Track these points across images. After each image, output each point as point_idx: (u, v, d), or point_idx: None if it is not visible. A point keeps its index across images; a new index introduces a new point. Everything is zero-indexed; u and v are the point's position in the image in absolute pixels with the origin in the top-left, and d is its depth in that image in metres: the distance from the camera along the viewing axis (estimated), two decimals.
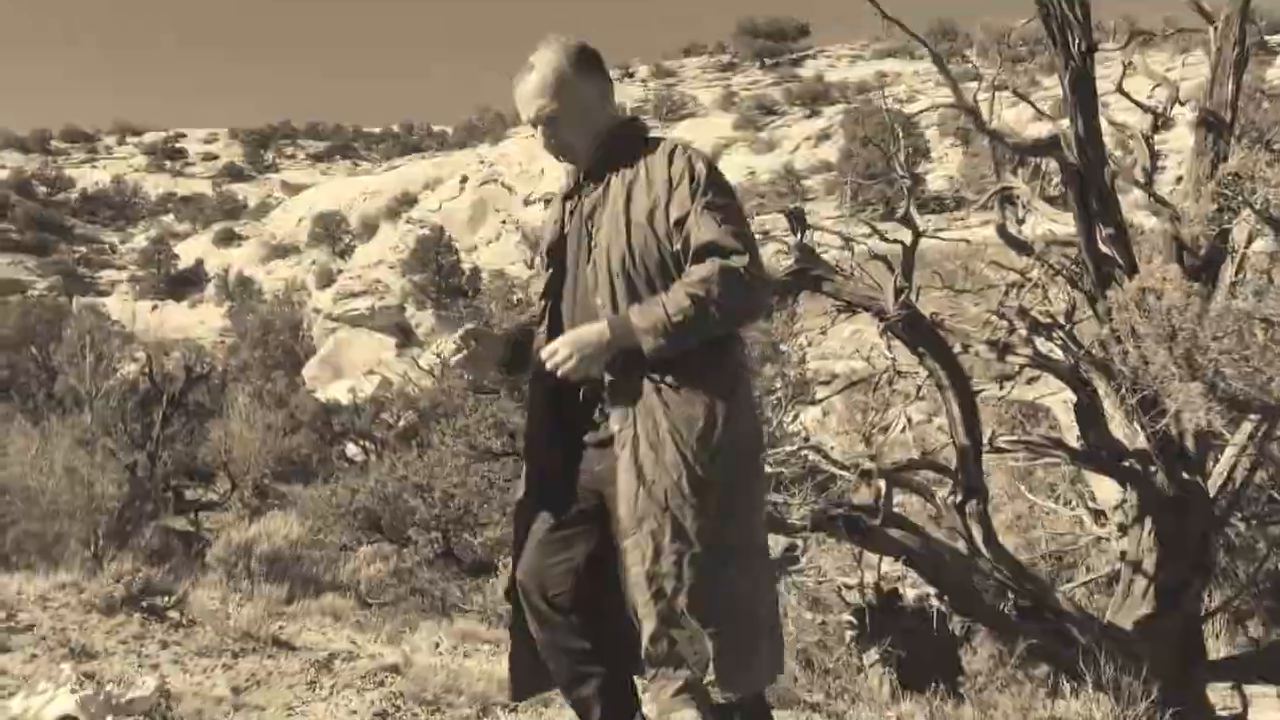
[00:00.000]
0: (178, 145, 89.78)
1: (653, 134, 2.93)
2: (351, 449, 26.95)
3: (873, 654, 5.82)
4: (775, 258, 6.89)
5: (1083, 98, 6.21)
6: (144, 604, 5.46)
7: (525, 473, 2.87)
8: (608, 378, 2.65)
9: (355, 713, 3.65)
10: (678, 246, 2.63)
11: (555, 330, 2.79)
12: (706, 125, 46.98)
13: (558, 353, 2.58)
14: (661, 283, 2.63)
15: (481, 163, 53.93)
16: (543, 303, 2.88)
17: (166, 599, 5.48)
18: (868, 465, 6.05)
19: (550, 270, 2.87)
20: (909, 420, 7.22)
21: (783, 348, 16.58)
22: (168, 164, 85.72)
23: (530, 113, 2.78)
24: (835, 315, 7.34)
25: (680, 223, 2.62)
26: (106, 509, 10.92)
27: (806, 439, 6.16)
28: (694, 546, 2.51)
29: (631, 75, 56.44)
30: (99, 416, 17.02)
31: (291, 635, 5.21)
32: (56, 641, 4.47)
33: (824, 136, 43.57)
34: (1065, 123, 6.23)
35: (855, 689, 4.97)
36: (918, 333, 6.41)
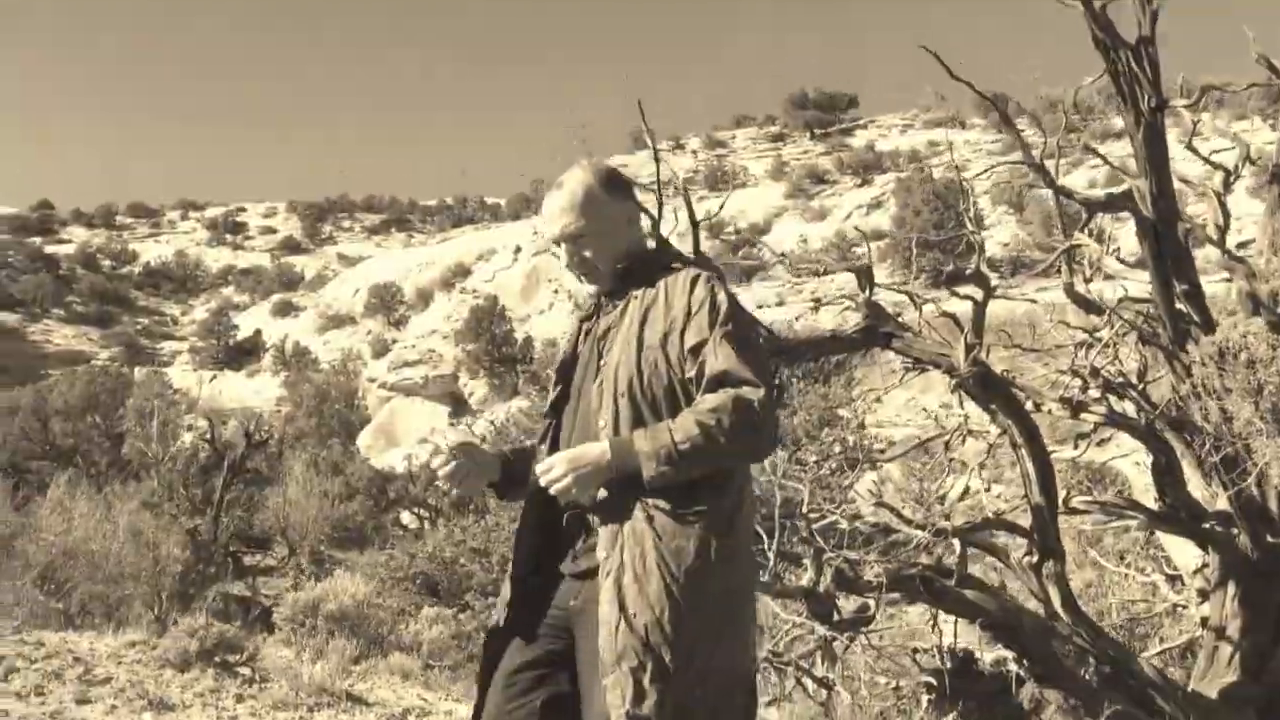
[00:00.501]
0: (238, 219, 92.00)
1: (677, 262, 2.88)
2: (406, 516, 27.03)
3: (952, 718, 5.66)
4: (842, 316, 6.90)
5: (1154, 153, 6.18)
6: (216, 660, 5.47)
7: (506, 599, 2.76)
8: (599, 497, 2.55)
9: None
10: (691, 373, 2.57)
11: (555, 449, 2.72)
12: (758, 195, 47.30)
13: (553, 469, 2.49)
14: (668, 409, 2.57)
15: (535, 233, 54.60)
16: (545, 421, 2.84)
17: (238, 655, 5.49)
18: (942, 524, 5.95)
19: (558, 388, 2.83)
20: (967, 489, 7.11)
21: (841, 412, 16.51)
22: (228, 238, 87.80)
23: (555, 229, 2.77)
24: (902, 374, 7.30)
25: (695, 349, 2.57)
26: (170, 571, 11.00)
27: (879, 498, 6.06)
28: (677, 691, 2.38)
29: (682, 147, 57.11)
30: (162, 482, 17.25)
31: (364, 691, 5.19)
32: (135, 694, 4.48)
33: (876, 204, 43.69)
34: (1139, 180, 6.19)
35: None
36: (990, 389, 6.33)
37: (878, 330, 6.46)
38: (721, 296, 2.63)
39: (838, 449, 12.00)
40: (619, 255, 2.77)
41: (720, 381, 2.51)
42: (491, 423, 32.29)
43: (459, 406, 45.43)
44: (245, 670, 5.51)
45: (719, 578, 2.50)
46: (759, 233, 42.09)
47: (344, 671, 5.60)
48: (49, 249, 75.89)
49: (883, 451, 6.69)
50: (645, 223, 3.04)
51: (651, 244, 2.99)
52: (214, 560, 13.66)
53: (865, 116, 58.62)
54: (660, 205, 6.28)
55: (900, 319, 6.82)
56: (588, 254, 2.76)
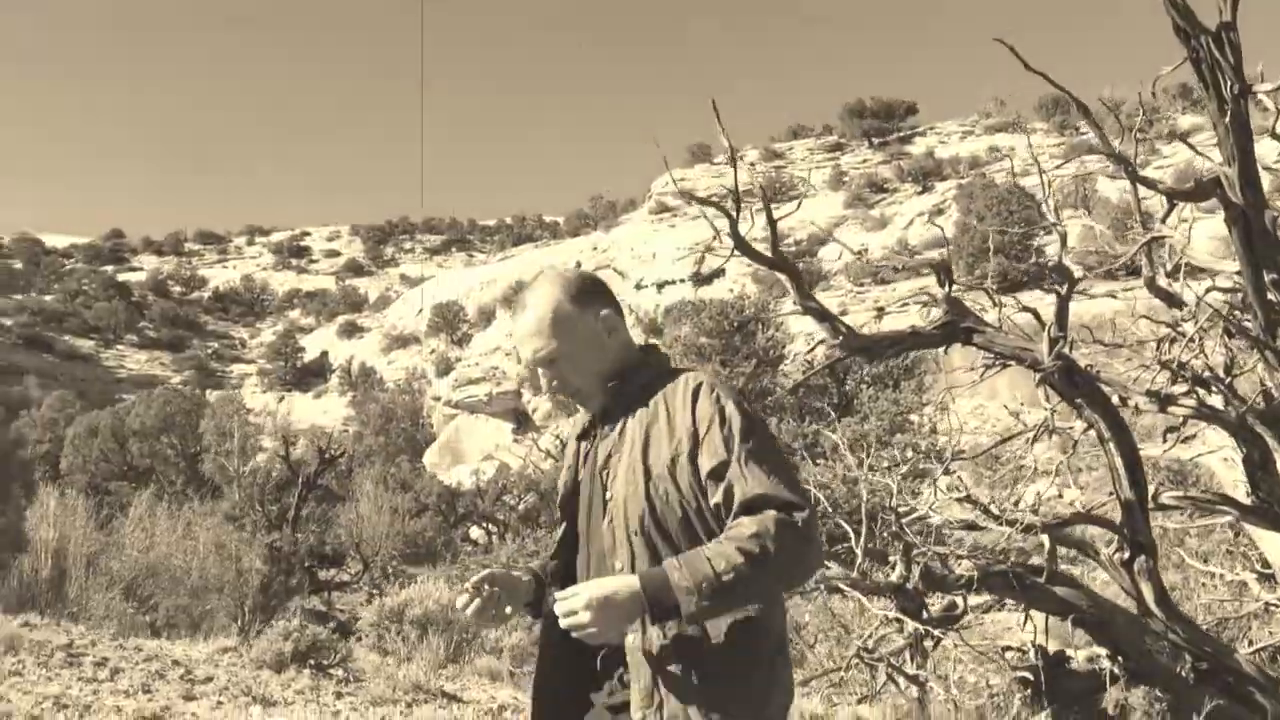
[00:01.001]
0: (302, 244, 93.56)
1: (674, 366, 2.61)
2: (475, 531, 27.21)
3: (1044, 717, 5.58)
4: (922, 312, 6.85)
5: (1240, 139, 6.06)
6: (310, 662, 5.56)
7: None
8: (631, 639, 2.32)
9: None
10: (715, 500, 2.31)
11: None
12: (817, 205, 47.09)
13: (578, 612, 2.18)
14: (685, 541, 2.32)
15: (594, 248, 54.90)
16: (554, 562, 2.59)
17: (331, 657, 5.57)
18: (1030, 519, 5.87)
19: (563, 525, 2.58)
20: (1039, 495, 7.00)
21: (912, 418, 16.36)
22: (293, 262, 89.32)
23: (528, 354, 2.49)
24: (982, 371, 7.22)
25: (716, 474, 2.31)
26: (252, 583, 11.19)
27: (967, 495, 6.00)
28: None
29: (740, 159, 57.06)
30: (243, 496, 17.58)
31: (457, 690, 5.24)
32: (238, 691, 4.57)
33: (938, 211, 43.26)
34: (1225, 168, 6.08)
35: None
36: (1075, 383, 6.25)
37: (958, 326, 6.41)
38: (730, 408, 2.36)
39: (910, 454, 11.89)
40: (605, 372, 2.49)
41: (759, 504, 2.25)
42: (556, 437, 32.49)
43: (522, 423, 45.75)
44: (338, 671, 5.60)
45: (773, 707, 2.36)
46: (819, 243, 41.89)
47: (436, 672, 5.67)
48: (121, 277, 77.74)
49: (957, 455, 6.60)
50: (630, 329, 2.63)
51: (638, 348, 2.61)
52: (294, 572, 13.87)
53: (924, 123, 58.18)
54: (738, 206, 6.32)
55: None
56: (570, 378, 2.49)
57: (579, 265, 57.51)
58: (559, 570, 2.55)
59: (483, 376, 48.99)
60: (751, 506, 2.24)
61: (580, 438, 2.59)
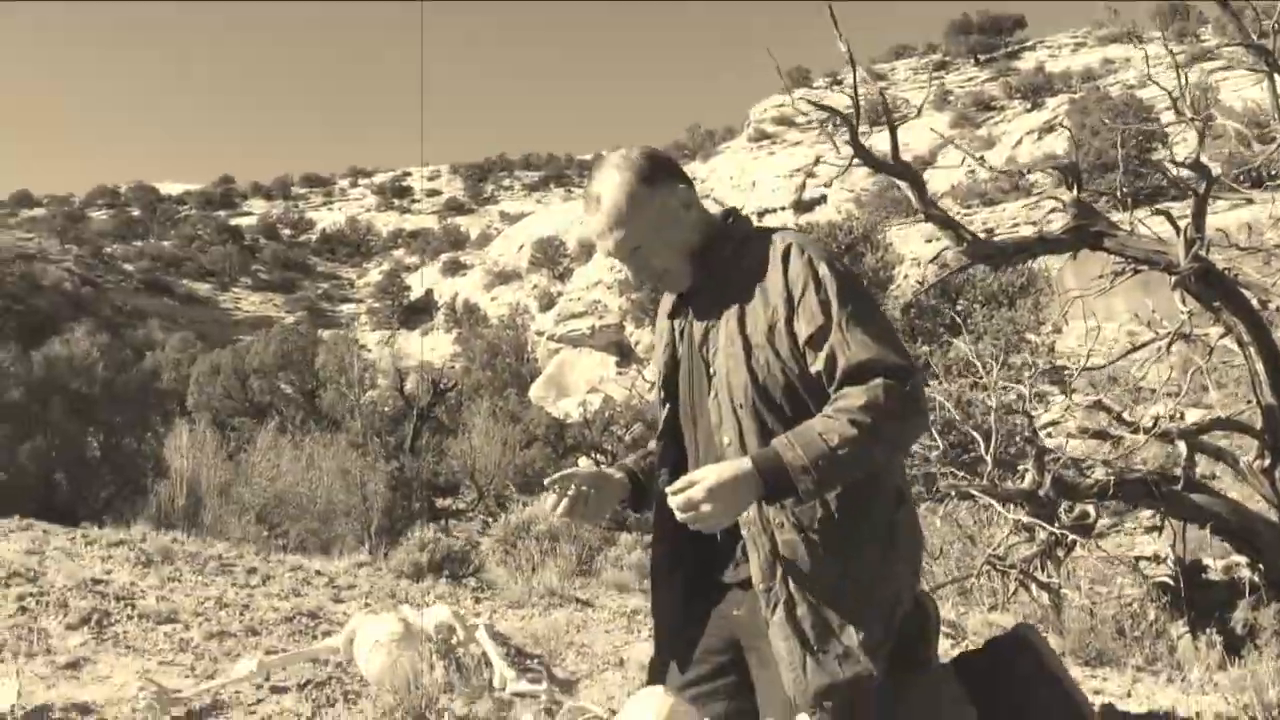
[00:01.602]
0: (404, 184, 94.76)
1: (758, 227, 2.47)
2: (584, 462, 27.58)
3: (1181, 625, 5.47)
4: (1048, 218, 6.66)
5: None
6: (446, 572, 5.72)
7: (655, 633, 2.52)
8: (745, 516, 2.24)
9: None
10: (816, 367, 2.20)
11: (676, 475, 2.33)
12: (921, 126, 45.92)
13: (690, 498, 2.09)
14: (792, 411, 2.22)
15: (692, 179, 54.50)
16: (660, 442, 2.51)
17: (466, 567, 5.73)
18: (1166, 426, 5.72)
19: (666, 406, 2.48)
20: (1155, 419, 6.78)
21: (1029, 337, 15.99)
22: (396, 202, 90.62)
23: (607, 246, 2.37)
24: (1111, 279, 7.00)
25: (815, 340, 2.20)
26: (377, 508, 11.53)
27: (1098, 400, 5.85)
28: (885, 715, 2.14)
29: (840, 83, 55.80)
30: (364, 425, 18.08)
31: (589, 598, 5.35)
32: (384, 594, 4.74)
33: (1048, 129, 41.86)
34: None
35: (1174, 658, 4.68)
36: (1213, 286, 6.04)
37: (1088, 230, 6.21)
38: (825, 270, 2.24)
39: (1027, 374, 11.65)
40: (687, 250, 2.39)
41: (865, 371, 2.14)
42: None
43: (625, 355, 46.00)
44: (471, 581, 5.76)
45: (901, 580, 2.27)
46: (924, 165, 40.91)
47: (566, 581, 5.80)
48: (233, 221, 79.87)
49: (1086, 368, 6.39)
50: (706, 200, 2.45)
51: (720, 215, 2.46)
52: (414, 497, 14.27)
53: (1033, 37, 56.10)
54: (858, 111, 6.18)
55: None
56: (654, 262, 2.39)
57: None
58: (666, 450, 2.48)
59: (585, 310, 49.28)
60: (856, 374, 2.14)
61: (672, 315, 2.49)
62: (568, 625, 4.02)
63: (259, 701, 2.63)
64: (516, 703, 2.52)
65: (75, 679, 2.86)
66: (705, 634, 2.40)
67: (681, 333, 2.45)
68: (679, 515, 2.09)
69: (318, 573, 5.72)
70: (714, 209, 2.54)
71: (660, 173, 2.35)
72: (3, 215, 74.78)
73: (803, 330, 2.21)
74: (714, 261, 2.37)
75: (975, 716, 2.29)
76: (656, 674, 2.44)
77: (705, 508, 2.06)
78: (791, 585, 2.20)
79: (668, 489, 2.12)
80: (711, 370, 2.34)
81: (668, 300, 2.52)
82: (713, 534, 2.25)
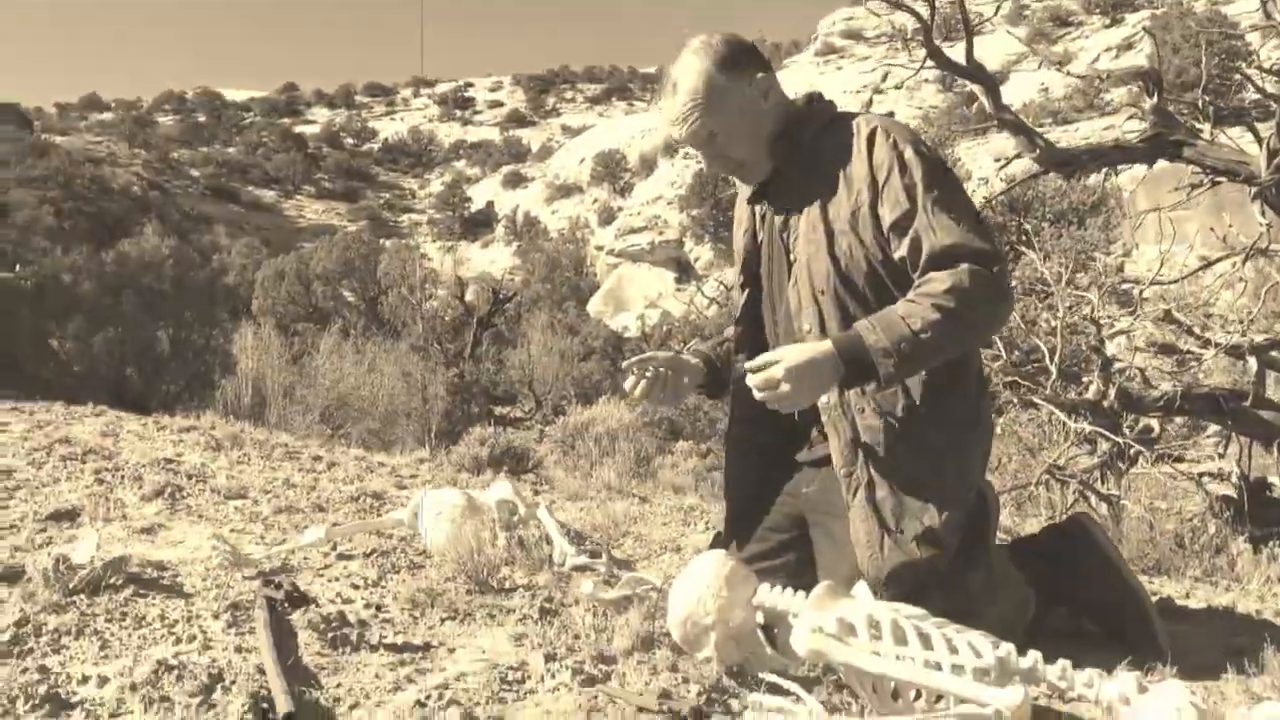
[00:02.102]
0: (466, 95, 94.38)
1: (840, 111, 2.42)
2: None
3: (1242, 540, 5.41)
4: (1125, 125, 6.48)
5: None
6: (505, 466, 5.82)
7: (726, 505, 2.55)
8: (825, 399, 2.24)
9: None
10: (900, 253, 2.17)
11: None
12: (993, 41, 44.64)
13: (770, 379, 2.07)
14: (875, 298, 2.20)
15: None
16: (737, 328, 2.53)
17: (525, 463, 5.82)
18: (1238, 340, 5.59)
19: (746, 291, 2.49)
20: (1227, 334, 6.62)
21: (1097, 256, 15.66)
22: (458, 113, 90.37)
23: (683, 134, 2.33)
24: (1189, 191, 6.81)
25: (899, 226, 2.17)
26: (438, 410, 11.71)
27: (1168, 312, 5.74)
28: (958, 599, 2.10)
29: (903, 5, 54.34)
30: (426, 328, 18.28)
31: (646, 494, 5.42)
32: (443, 483, 4.83)
33: (1126, 46, 40.49)
34: None
35: (1233, 571, 4.63)
36: None
37: (1166, 138, 6.03)
38: (910, 154, 2.20)
39: (1094, 295, 11.46)
40: (766, 139, 2.34)
41: (946, 257, 2.11)
42: (720, 283, 32.55)
43: (685, 271, 45.86)
44: (530, 476, 5.86)
45: (976, 466, 2.27)
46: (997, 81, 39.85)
47: (624, 478, 5.88)
48: (296, 129, 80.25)
49: (1155, 280, 6.23)
50: (785, 86, 2.39)
51: (801, 99, 2.40)
52: (474, 401, 14.46)
53: None
54: (933, 9, 6.02)
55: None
56: (730, 151, 2.34)
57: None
58: (745, 335, 2.50)
59: (645, 225, 49.08)
60: (942, 259, 2.12)
61: (753, 200, 2.47)
62: (625, 516, 4.07)
63: (326, 566, 2.71)
64: (575, 575, 2.57)
65: (150, 542, 2.96)
66: (771, 511, 2.46)
67: (763, 218, 2.44)
68: (757, 394, 2.09)
69: (380, 464, 5.85)
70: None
71: (740, 60, 2.31)
72: (73, 119, 75.77)
73: (887, 215, 2.18)
74: (795, 147, 2.34)
75: (1033, 599, 2.30)
76: (722, 545, 2.51)
77: (784, 387, 2.05)
78: (873, 469, 2.21)
79: (747, 365, 2.13)
80: (792, 256, 2.34)
81: (748, 185, 2.49)
82: (789, 414, 2.26)
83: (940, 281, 2.09)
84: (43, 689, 1.74)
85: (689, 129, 2.30)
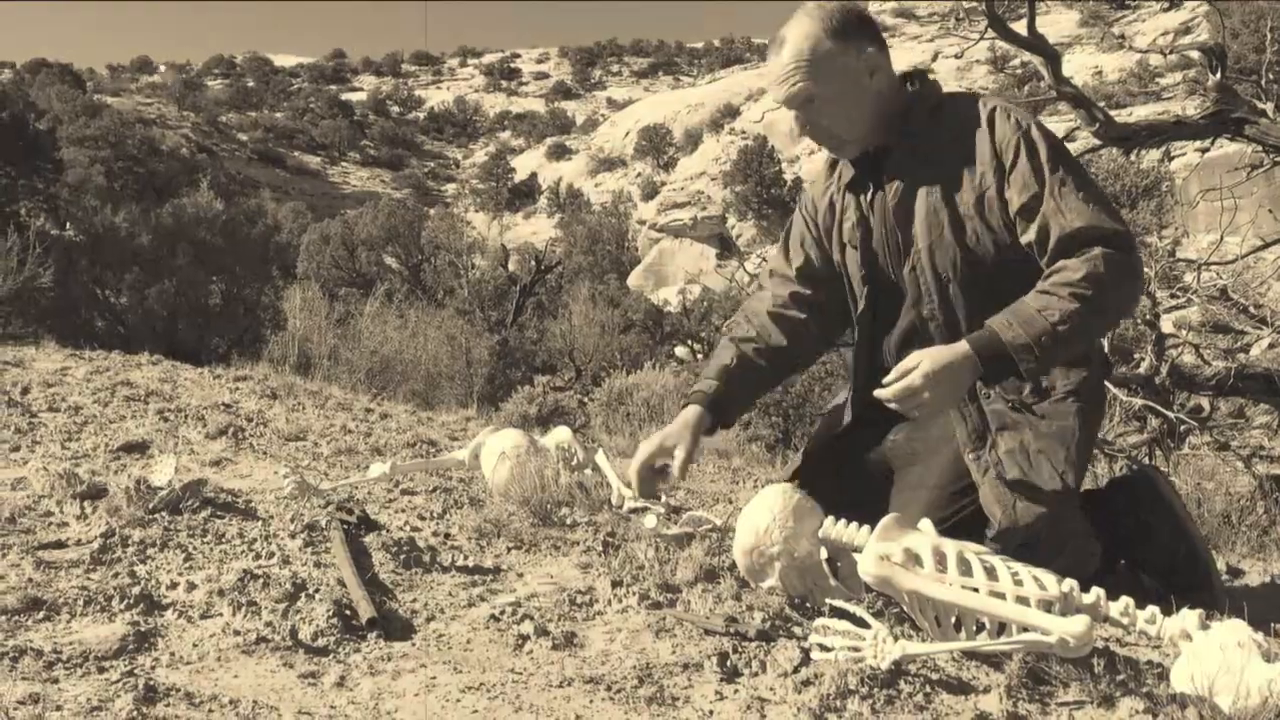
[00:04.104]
0: (513, 65, 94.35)
1: (950, 92, 2.36)
2: (680, 350, 27.73)
3: None
4: (1188, 102, 6.40)
5: None
6: (552, 425, 5.89)
7: (806, 448, 2.59)
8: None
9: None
10: (1028, 237, 2.13)
11: (873, 350, 2.40)
12: (1048, 23, 44.05)
13: (911, 385, 2.04)
14: (1005, 286, 2.14)
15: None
16: (857, 327, 2.47)
17: (573, 421, 5.88)
18: None
19: (851, 284, 2.44)
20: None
21: (1148, 239, 15.47)
22: (504, 84, 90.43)
23: (781, 94, 2.25)
24: (1248, 171, 6.74)
25: (1027, 210, 2.12)
26: (480, 374, 11.82)
27: (1224, 290, 5.70)
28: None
29: None
30: (471, 293, 18.41)
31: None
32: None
33: (1184, 30, 39.76)
34: None
35: None
36: None
37: (1229, 115, 5.96)
38: (1035, 134, 2.16)
39: (1151, 268, 11.36)
40: (864, 117, 2.27)
41: (1078, 240, 2.08)
42: (761, 258, 32.45)
43: (726, 248, 45.75)
44: (579, 435, 5.92)
45: (1093, 440, 2.31)
46: None
47: None
48: (344, 96, 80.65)
49: (1210, 261, 6.16)
50: (895, 64, 2.34)
51: (908, 78, 2.35)
52: (517, 366, 14.57)
53: None
54: None
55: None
56: (825, 122, 2.27)
57: None
58: (855, 330, 2.46)
59: (688, 201, 48.98)
60: (1073, 242, 2.08)
61: (853, 187, 2.40)
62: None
63: (391, 500, 2.78)
64: (635, 517, 2.62)
65: (220, 473, 3.05)
66: (848, 462, 2.46)
67: (872, 204, 2.36)
68: (895, 405, 2.06)
69: (429, 418, 5.93)
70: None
71: (851, 30, 2.25)
72: (124, 80, 76.50)
73: (1015, 199, 2.14)
74: (907, 129, 2.29)
75: (1100, 549, 2.32)
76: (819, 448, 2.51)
77: (926, 395, 2.03)
78: (1002, 450, 2.21)
79: (884, 382, 2.09)
80: (906, 242, 2.28)
81: (842, 173, 2.43)
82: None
83: (1075, 269, 2.06)
84: (135, 590, 1.82)
85: (788, 89, 2.24)
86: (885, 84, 2.29)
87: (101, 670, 1.51)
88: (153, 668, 1.55)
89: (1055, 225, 2.10)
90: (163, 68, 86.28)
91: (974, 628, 1.70)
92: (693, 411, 2.45)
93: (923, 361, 2.04)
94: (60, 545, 2.10)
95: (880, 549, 1.76)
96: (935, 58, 47.18)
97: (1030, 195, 2.12)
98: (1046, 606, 1.65)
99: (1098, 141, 6.03)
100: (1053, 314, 2.02)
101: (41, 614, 1.71)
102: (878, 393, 2.09)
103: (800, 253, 2.54)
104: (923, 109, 2.30)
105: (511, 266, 24.87)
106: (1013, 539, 2.13)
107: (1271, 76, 6.54)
